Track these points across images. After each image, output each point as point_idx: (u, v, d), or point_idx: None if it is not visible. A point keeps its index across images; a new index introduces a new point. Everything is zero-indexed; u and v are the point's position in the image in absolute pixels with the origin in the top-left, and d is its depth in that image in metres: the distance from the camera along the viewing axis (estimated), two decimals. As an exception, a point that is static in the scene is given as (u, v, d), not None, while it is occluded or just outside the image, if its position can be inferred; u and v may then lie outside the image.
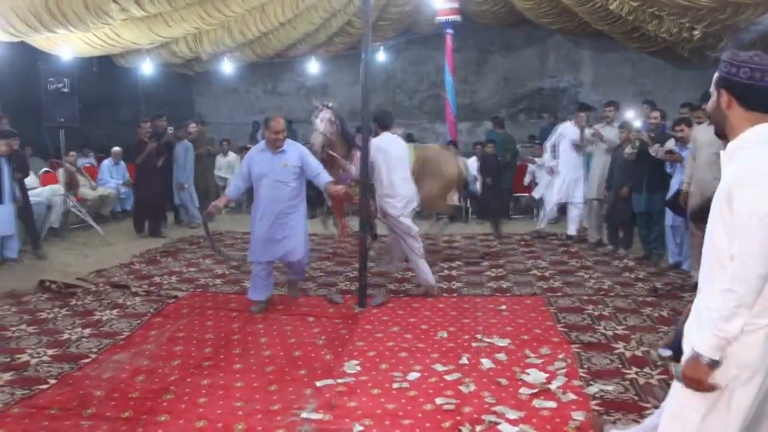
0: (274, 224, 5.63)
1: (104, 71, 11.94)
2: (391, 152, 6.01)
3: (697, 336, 2.15)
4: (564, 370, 4.35)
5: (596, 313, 5.61)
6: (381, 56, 14.85)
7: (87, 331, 5.30)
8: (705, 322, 2.12)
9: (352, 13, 12.34)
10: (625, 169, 7.54)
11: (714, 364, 2.10)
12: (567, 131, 8.86)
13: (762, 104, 2.13)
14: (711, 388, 2.13)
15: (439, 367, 4.43)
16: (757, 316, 2.07)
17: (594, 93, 14.75)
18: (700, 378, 2.13)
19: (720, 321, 2.06)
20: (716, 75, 2.22)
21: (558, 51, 15.29)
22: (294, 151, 5.70)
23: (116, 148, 11.32)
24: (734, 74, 2.13)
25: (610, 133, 8.19)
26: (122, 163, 11.33)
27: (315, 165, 5.76)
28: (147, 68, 12.42)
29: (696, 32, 8.65)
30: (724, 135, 2.23)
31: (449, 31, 11.69)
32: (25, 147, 9.06)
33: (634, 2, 8.78)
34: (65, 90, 8.69)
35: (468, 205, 10.47)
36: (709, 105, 2.28)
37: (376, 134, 6.04)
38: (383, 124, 6.15)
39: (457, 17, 11.34)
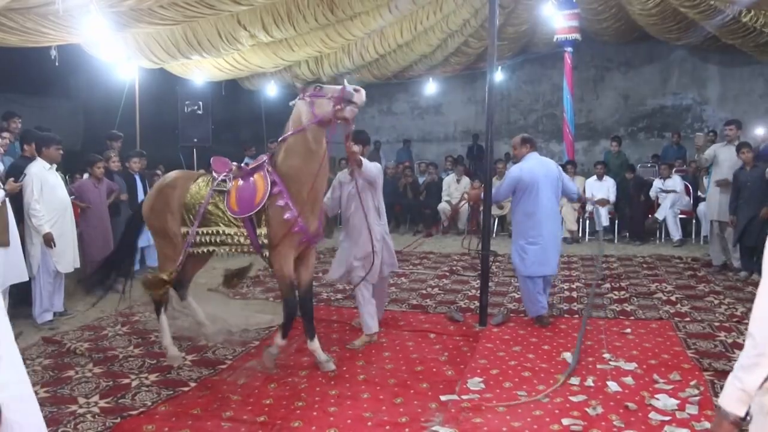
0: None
1: (230, 94, 12.62)
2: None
3: (724, 388, 1.91)
4: (697, 398, 4.17)
5: (730, 341, 5.33)
6: (497, 76, 14.83)
7: (221, 338, 5.61)
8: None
9: (468, 34, 12.44)
10: (758, 189, 7.15)
11: (739, 421, 1.83)
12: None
13: None
14: None
15: (563, 389, 4.37)
16: None
17: (721, 110, 14.07)
18: None
19: (740, 371, 1.83)
20: None
21: (681, 67, 14.71)
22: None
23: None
24: None
25: (731, 153, 7.83)
26: (240, 180, 11.88)
27: None
28: (270, 91, 13.01)
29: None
30: None
31: (568, 49, 11.52)
32: (158, 165, 9.71)
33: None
34: (199, 112, 9.32)
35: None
36: None
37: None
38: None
39: (577, 35, 11.16)
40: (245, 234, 4.69)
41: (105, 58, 8.19)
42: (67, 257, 6.27)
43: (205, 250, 4.87)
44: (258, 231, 4.64)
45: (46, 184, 6.03)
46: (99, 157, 7.36)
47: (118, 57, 8.27)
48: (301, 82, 12.83)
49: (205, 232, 4.80)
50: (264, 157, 4.86)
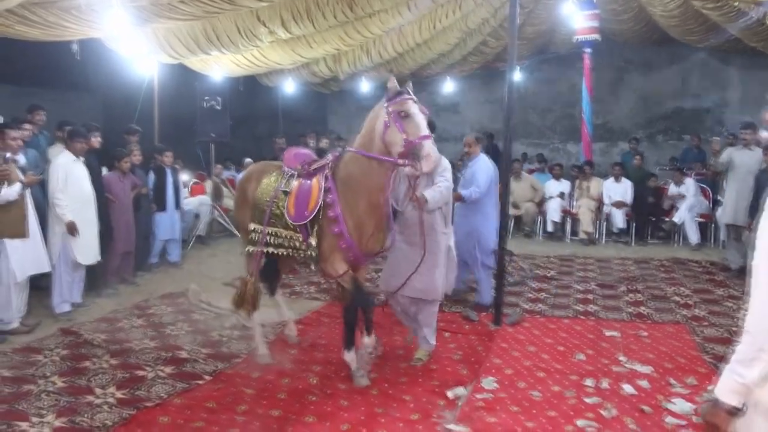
0: None
1: (248, 90, 12.66)
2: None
3: (720, 379, 1.96)
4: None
5: (747, 346, 5.28)
6: (516, 75, 14.76)
7: (236, 333, 5.65)
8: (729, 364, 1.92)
9: (487, 33, 12.39)
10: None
11: (735, 412, 1.90)
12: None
13: None
14: None
15: (577, 390, 4.36)
16: None
17: (741, 113, 13.88)
18: (719, 425, 1.93)
19: (738, 364, 1.88)
20: None
21: (702, 69, 14.55)
22: None
23: (248, 160, 11.98)
24: None
25: (748, 157, 7.83)
26: (254, 175, 11.95)
27: None
28: (288, 87, 13.04)
29: None
30: None
31: (587, 50, 11.45)
32: (176, 160, 9.77)
33: (796, 16, 8.27)
34: (218, 107, 9.37)
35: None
36: None
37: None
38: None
39: (596, 36, 11.09)
40: (301, 239, 4.38)
41: (125, 53, 8.25)
42: (88, 249, 6.33)
43: (279, 251, 4.57)
44: (310, 240, 4.31)
45: (71, 175, 6.11)
46: (125, 152, 7.45)
47: (138, 52, 8.33)
48: (319, 79, 12.94)
49: (269, 232, 4.55)
50: (329, 157, 4.49)
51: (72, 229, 6.03)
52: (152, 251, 8.28)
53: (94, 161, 6.82)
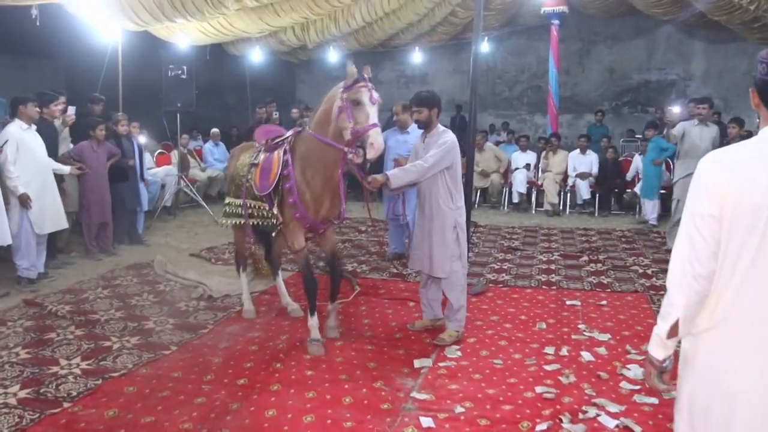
0: None
1: (215, 59, 12.48)
2: None
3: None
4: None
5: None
6: (483, 47, 14.78)
7: (202, 303, 5.67)
8: None
9: (456, 3, 12.35)
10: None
11: (658, 364, 2.07)
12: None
13: None
14: (662, 390, 2.15)
15: (538, 358, 4.48)
16: (699, 320, 1.97)
17: (705, 87, 14.14)
18: (646, 378, 2.13)
19: (659, 318, 2.03)
20: None
21: (667, 42, 14.75)
22: None
23: (215, 130, 11.99)
24: (759, 71, 1.97)
25: (706, 133, 7.46)
26: (222, 144, 11.94)
27: None
28: (255, 56, 12.89)
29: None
30: None
31: (555, 22, 11.50)
32: (142, 130, 9.65)
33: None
34: (183, 76, 9.23)
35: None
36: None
37: (431, 124, 4.77)
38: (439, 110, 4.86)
39: (564, 8, 11.14)
40: (267, 208, 4.68)
41: (87, 20, 8.05)
42: (47, 219, 6.26)
43: (252, 221, 4.90)
44: (273, 209, 4.61)
45: (22, 145, 5.99)
46: (99, 120, 7.35)
47: (101, 18, 8.13)
48: (286, 48, 12.79)
49: (247, 204, 4.87)
50: (291, 132, 4.71)
51: (24, 202, 5.94)
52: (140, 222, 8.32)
53: (53, 132, 6.69)
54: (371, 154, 4.00)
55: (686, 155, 7.61)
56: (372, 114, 4.05)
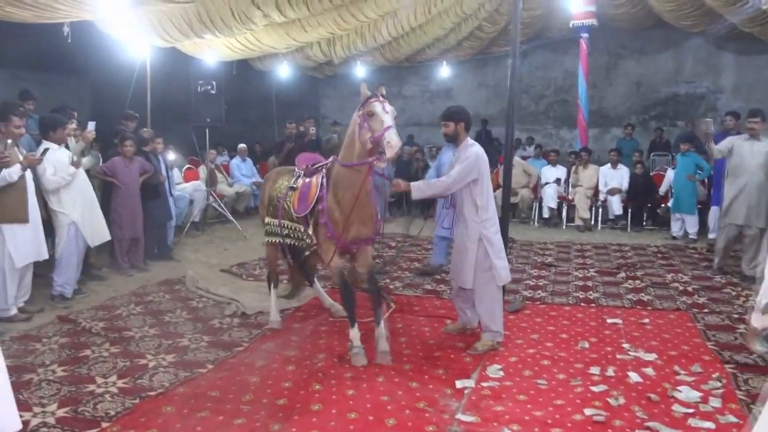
0: None
1: (241, 74, 12.52)
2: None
3: None
4: (720, 391, 4.14)
5: (749, 333, 5.28)
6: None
7: (236, 320, 5.60)
8: None
9: (482, 18, 12.30)
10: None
11: (756, 331, 2.48)
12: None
13: None
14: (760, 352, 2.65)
15: (583, 378, 4.34)
16: None
17: (735, 99, 13.93)
18: (749, 339, 2.57)
19: (760, 295, 2.44)
20: None
21: (696, 55, 14.57)
22: None
23: (242, 145, 11.98)
24: None
25: (757, 148, 6.90)
26: (249, 160, 11.93)
27: None
28: (281, 72, 12.91)
29: None
30: None
31: (584, 35, 11.38)
32: (168, 146, 9.63)
33: (793, 2, 8.22)
34: (213, 92, 9.24)
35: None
36: None
37: (458, 137, 4.94)
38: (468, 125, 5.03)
39: (593, 21, 11.02)
40: (303, 229, 4.86)
41: (117, 36, 8.10)
42: (96, 233, 6.35)
43: (287, 241, 5.14)
44: (308, 230, 4.78)
45: (59, 165, 5.96)
46: (129, 135, 7.34)
47: (131, 35, 8.17)
48: (313, 63, 12.79)
49: (283, 225, 5.08)
50: (330, 159, 4.90)
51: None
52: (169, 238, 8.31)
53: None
54: (389, 153, 4.16)
55: (735, 173, 7.03)
56: (386, 120, 4.24)
